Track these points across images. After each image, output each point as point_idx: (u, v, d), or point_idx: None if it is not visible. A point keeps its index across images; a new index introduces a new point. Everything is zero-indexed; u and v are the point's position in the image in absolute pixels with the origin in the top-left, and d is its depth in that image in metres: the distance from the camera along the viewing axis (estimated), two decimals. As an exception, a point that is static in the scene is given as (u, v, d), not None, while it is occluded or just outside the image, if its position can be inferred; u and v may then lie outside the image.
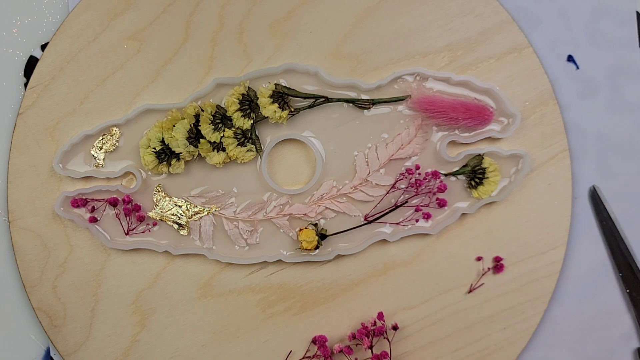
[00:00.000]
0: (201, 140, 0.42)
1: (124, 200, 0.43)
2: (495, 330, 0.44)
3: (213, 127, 0.42)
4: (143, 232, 0.44)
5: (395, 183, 0.44)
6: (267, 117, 0.43)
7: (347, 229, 0.44)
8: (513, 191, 0.44)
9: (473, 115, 0.43)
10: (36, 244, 0.44)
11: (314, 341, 0.44)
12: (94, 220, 0.43)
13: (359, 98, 0.44)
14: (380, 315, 0.44)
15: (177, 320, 0.44)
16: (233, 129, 0.43)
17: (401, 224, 0.44)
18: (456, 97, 0.44)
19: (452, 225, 0.44)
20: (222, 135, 0.42)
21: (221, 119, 0.43)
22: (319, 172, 0.44)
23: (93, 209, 0.43)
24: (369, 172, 0.44)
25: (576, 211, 0.46)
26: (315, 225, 0.44)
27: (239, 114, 0.43)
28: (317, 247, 0.43)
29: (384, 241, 0.44)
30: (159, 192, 0.44)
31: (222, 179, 0.44)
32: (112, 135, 0.44)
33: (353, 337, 0.44)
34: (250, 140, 0.43)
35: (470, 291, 0.44)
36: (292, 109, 0.43)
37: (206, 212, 0.44)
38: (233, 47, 0.44)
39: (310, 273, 0.44)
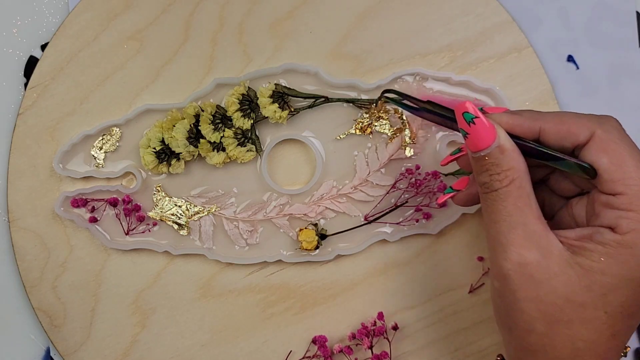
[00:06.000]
0: (201, 140, 0.42)
1: (124, 200, 0.43)
2: (496, 330, 0.44)
3: (213, 127, 0.42)
4: (143, 232, 0.44)
5: (395, 183, 0.44)
6: (267, 117, 0.43)
7: (347, 229, 0.44)
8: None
9: (473, 115, 0.43)
10: (36, 244, 0.44)
11: (314, 341, 0.44)
12: (94, 220, 0.43)
13: (359, 98, 0.44)
14: (380, 315, 0.44)
15: (177, 320, 0.44)
16: (233, 129, 0.43)
17: (401, 224, 0.44)
18: (456, 97, 0.44)
19: (452, 225, 0.44)
20: (222, 135, 0.42)
21: (221, 119, 0.43)
22: (319, 172, 0.44)
23: (93, 209, 0.43)
24: (369, 172, 0.44)
25: (576, 211, 0.46)
26: (315, 225, 0.44)
27: (239, 114, 0.43)
28: (317, 247, 0.43)
29: (384, 241, 0.44)
30: (159, 192, 0.44)
31: (222, 179, 0.44)
32: (112, 136, 0.44)
33: (353, 337, 0.44)
34: (250, 140, 0.43)
35: (470, 291, 0.44)
36: (292, 109, 0.43)
37: (206, 212, 0.44)
38: (233, 47, 0.45)
39: (310, 273, 0.44)
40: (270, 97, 0.43)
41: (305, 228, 0.43)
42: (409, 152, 0.44)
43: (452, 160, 0.38)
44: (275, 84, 0.43)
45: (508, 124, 0.33)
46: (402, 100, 0.38)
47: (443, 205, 0.43)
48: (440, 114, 0.36)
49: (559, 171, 0.36)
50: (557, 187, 0.36)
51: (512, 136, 0.33)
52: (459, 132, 0.34)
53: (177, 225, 0.44)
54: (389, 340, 0.44)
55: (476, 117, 0.32)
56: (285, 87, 0.43)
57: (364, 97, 0.44)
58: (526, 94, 0.44)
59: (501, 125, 0.33)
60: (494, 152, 0.32)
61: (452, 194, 0.38)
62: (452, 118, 0.35)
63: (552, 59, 0.46)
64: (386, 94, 0.39)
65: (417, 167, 0.44)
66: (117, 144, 0.44)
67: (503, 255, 0.31)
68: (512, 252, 0.31)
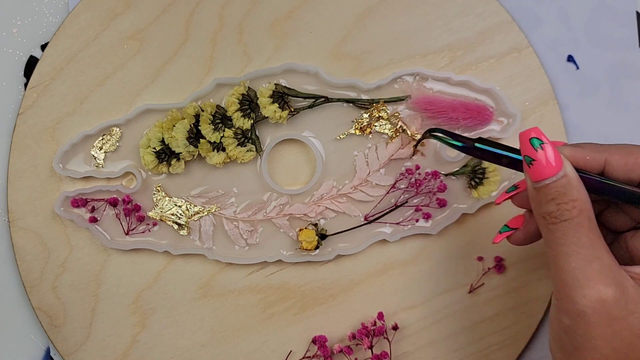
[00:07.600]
0: (201, 140, 0.42)
1: (124, 200, 0.43)
2: (496, 330, 0.44)
3: (213, 127, 0.42)
4: (143, 232, 0.44)
5: (395, 183, 0.44)
6: (267, 117, 0.43)
7: (347, 229, 0.44)
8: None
9: (473, 115, 0.43)
10: (36, 244, 0.44)
11: (314, 341, 0.44)
12: (94, 220, 0.43)
13: (359, 98, 0.44)
14: (380, 315, 0.44)
15: (177, 320, 0.44)
16: (233, 129, 0.43)
17: (401, 224, 0.44)
18: (456, 97, 0.44)
19: (452, 225, 0.44)
20: (222, 135, 0.42)
21: (221, 119, 0.43)
22: (319, 172, 0.44)
23: (93, 209, 0.43)
24: (369, 172, 0.44)
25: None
26: (315, 225, 0.44)
27: (239, 114, 0.43)
28: (317, 247, 0.43)
29: (384, 241, 0.44)
30: (159, 192, 0.44)
31: (222, 179, 0.44)
32: (112, 136, 0.44)
33: (353, 337, 0.44)
34: (250, 140, 0.43)
35: (470, 291, 0.44)
36: (292, 109, 0.43)
37: (206, 212, 0.44)
38: (233, 47, 0.45)
39: (310, 273, 0.44)
40: (270, 97, 0.43)
41: (305, 228, 0.43)
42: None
43: (507, 199, 0.36)
44: (275, 84, 0.43)
45: (572, 157, 0.32)
46: (449, 139, 0.36)
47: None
48: (491, 150, 0.34)
49: (614, 205, 0.35)
50: (611, 221, 0.35)
51: (576, 170, 0.31)
52: (509, 167, 0.33)
53: (177, 225, 0.44)
54: (389, 340, 0.44)
55: (544, 143, 0.30)
56: (285, 87, 0.43)
57: (364, 97, 0.44)
58: (526, 94, 0.44)
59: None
60: (560, 181, 0.30)
61: (508, 233, 0.36)
62: (504, 154, 0.34)
63: (552, 59, 0.46)
64: (433, 133, 0.37)
65: (417, 167, 0.44)
66: (117, 144, 0.44)
67: (580, 291, 0.29)
68: (590, 288, 0.29)
